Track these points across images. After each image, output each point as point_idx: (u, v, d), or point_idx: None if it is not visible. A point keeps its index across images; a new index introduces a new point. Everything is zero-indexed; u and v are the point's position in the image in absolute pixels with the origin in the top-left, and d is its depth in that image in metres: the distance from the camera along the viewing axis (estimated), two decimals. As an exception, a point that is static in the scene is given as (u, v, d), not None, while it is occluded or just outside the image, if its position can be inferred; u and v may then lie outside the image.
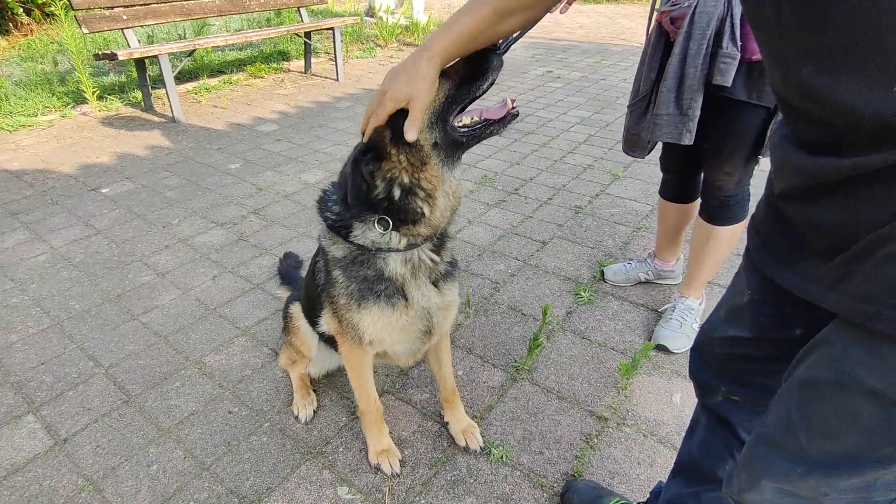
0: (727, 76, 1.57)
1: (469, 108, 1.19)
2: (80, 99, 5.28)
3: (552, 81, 6.27)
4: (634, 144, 1.97)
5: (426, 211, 1.23)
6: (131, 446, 1.72)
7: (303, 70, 6.85)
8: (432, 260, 1.36)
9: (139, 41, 5.25)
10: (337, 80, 6.42)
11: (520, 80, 6.33)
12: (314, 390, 1.89)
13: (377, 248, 1.28)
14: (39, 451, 1.70)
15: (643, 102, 1.82)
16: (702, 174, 2.02)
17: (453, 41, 1.04)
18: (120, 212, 3.25)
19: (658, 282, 2.47)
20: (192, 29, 7.54)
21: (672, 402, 1.84)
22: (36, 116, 4.95)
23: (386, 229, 1.25)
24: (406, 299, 1.35)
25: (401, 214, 1.23)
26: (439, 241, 1.37)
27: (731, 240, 1.99)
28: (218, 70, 6.55)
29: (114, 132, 4.66)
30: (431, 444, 1.71)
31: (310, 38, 6.49)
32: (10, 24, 7.98)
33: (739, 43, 1.53)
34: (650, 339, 2.12)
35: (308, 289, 1.63)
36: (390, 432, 1.73)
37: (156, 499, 1.55)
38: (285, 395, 1.90)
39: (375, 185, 1.22)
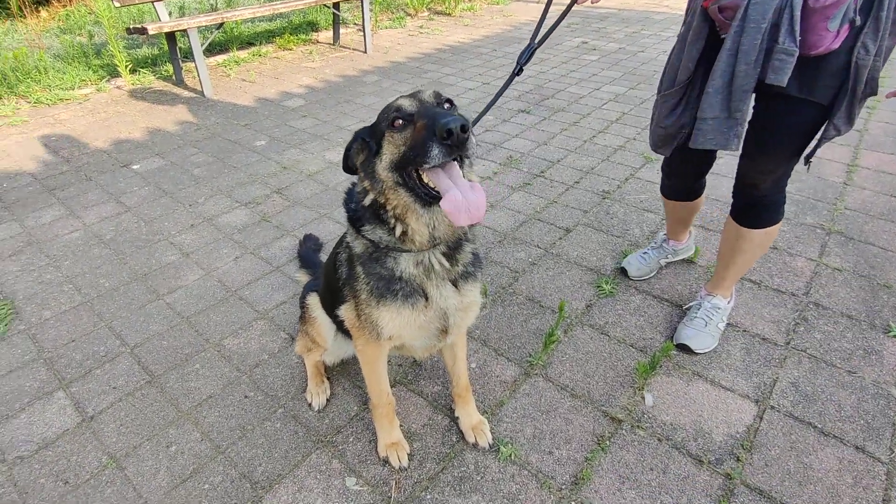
0: (783, 74, 1.38)
1: (432, 167, 1.07)
2: (114, 72, 5.37)
3: (587, 53, 6.00)
4: (664, 141, 1.79)
5: (398, 229, 1.23)
6: (152, 426, 1.78)
7: (331, 41, 6.76)
8: (443, 265, 1.32)
9: (170, 14, 5.26)
10: (365, 52, 6.32)
11: (553, 52, 6.09)
12: (328, 378, 1.91)
13: (387, 245, 1.26)
14: (68, 428, 1.79)
15: (679, 92, 1.67)
16: (706, 175, 1.95)
17: None
18: (149, 189, 3.32)
19: (674, 261, 2.45)
20: (223, 0, 7.52)
21: (688, 406, 1.78)
22: (73, 90, 5.07)
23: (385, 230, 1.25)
24: (426, 298, 1.33)
25: (381, 222, 1.25)
26: (453, 247, 1.33)
27: (764, 242, 1.87)
28: (248, 42, 6.54)
29: (146, 106, 4.73)
30: (441, 438, 1.71)
31: (338, 9, 6.37)
32: (51, -5, 8.12)
33: (798, 38, 1.35)
34: (672, 338, 2.05)
35: (328, 279, 1.62)
36: (400, 424, 1.74)
37: (174, 480, 1.61)
38: (300, 381, 1.93)
39: (358, 185, 1.29)
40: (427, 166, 1.06)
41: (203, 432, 1.75)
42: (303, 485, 1.58)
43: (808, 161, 1.63)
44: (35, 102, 4.82)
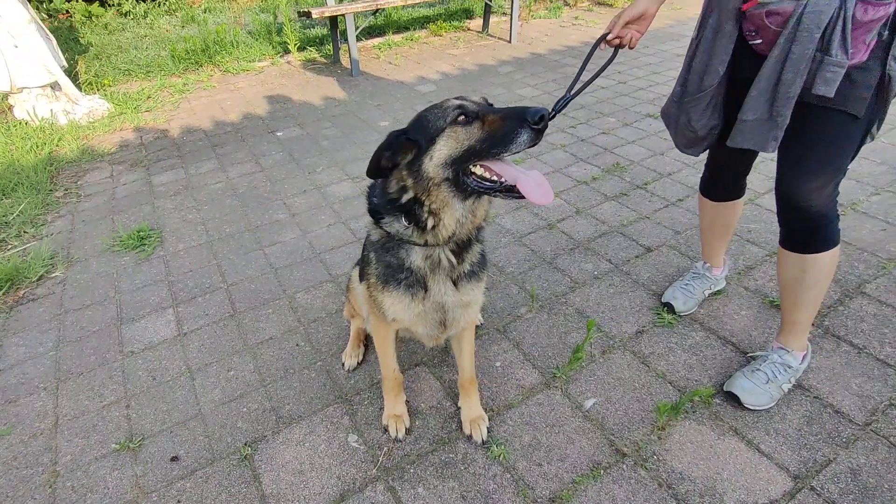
0: (832, 86, 1.35)
1: (513, 153, 1.19)
2: (287, 49, 6.18)
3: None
4: (693, 143, 1.79)
5: (430, 224, 1.30)
6: (223, 351, 2.16)
7: (480, 29, 6.92)
8: (450, 261, 1.41)
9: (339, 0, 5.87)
10: (509, 41, 6.37)
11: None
12: (366, 345, 2.11)
13: (401, 238, 1.38)
14: (167, 338, 2.25)
15: (707, 97, 1.63)
16: (747, 174, 1.93)
17: None
18: (282, 154, 3.85)
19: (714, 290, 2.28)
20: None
21: (708, 460, 1.63)
22: (254, 63, 5.97)
23: (409, 224, 1.34)
24: (426, 290, 1.44)
25: (411, 218, 1.32)
26: (462, 246, 1.41)
27: (831, 268, 1.68)
28: (405, 26, 7.01)
29: (303, 81, 5.40)
30: (442, 422, 1.81)
31: (490, -2, 6.49)
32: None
33: (850, 50, 1.30)
34: (722, 385, 1.86)
35: (362, 256, 1.81)
36: (412, 401, 1.88)
37: (224, 397, 1.95)
38: (343, 342, 2.16)
39: (391, 185, 1.33)
40: (506, 154, 1.17)
41: (256, 366, 2.08)
42: (314, 430, 1.81)
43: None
44: (225, 71, 5.79)
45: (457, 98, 1.25)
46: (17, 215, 3.15)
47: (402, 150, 1.26)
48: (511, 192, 1.21)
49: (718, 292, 2.28)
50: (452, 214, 1.29)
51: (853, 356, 1.95)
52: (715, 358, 1.99)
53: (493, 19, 7.01)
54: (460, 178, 1.22)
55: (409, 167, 1.26)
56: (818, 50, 1.35)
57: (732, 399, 1.80)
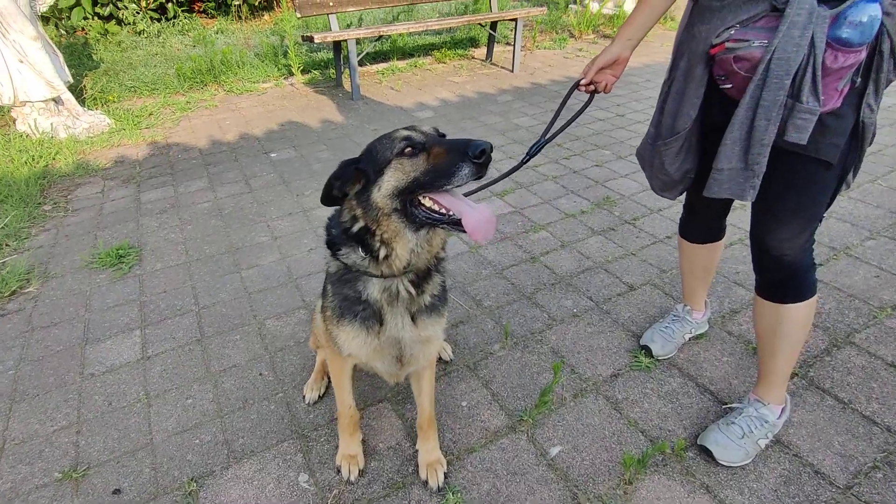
0: (804, 133, 1.31)
1: (456, 186, 1.15)
2: (291, 72, 6.27)
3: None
4: (668, 186, 1.76)
5: (383, 254, 1.26)
6: (184, 378, 2.10)
7: (484, 58, 6.99)
8: (409, 292, 1.36)
9: (347, 25, 5.97)
10: (512, 70, 6.42)
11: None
12: (329, 378, 2.04)
13: (358, 269, 1.33)
14: (130, 360, 2.19)
15: (679, 140, 1.60)
16: (726, 215, 1.90)
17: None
18: (273, 175, 3.85)
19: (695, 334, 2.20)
20: (402, 11, 8.25)
21: (678, 521, 1.53)
22: (258, 84, 6.05)
23: (366, 255, 1.30)
24: (381, 324, 1.39)
25: (365, 248, 1.27)
26: (422, 277, 1.37)
27: (807, 319, 1.61)
28: (409, 53, 7.10)
29: (304, 103, 5.45)
30: (399, 464, 1.73)
31: (494, 29, 6.57)
32: (275, 1, 9.74)
33: (822, 96, 1.26)
34: (696, 438, 1.77)
35: (322, 290, 1.76)
36: (371, 440, 1.80)
37: (178, 427, 1.88)
38: (307, 373, 2.09)
39: (343, 214, 1.30)
40: (449, 187, 1.14)
41: (216, 395, 2.01)
42: (265, 467, 1.73)
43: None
44: (228, 91, 5.86)
45: (406, 128, 1.23)
46: (2, 228, 3.15)
47: (351, 179, 1.24)
48: (458, 225, 1.18)
49: (700, 336, 2.20)
50: (405, 245, 1.25)
51: (837, 411, 1.86)
52: (691, 407, 1.90)
53: (497, 49, 7.08)
54: (409, 209, 1.20)
55: (357, 197, 1.25)
56: (789, 96, 1.31)
57: (706, 453, 1.71)
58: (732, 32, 1.37)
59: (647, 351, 2.11)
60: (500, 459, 1.73)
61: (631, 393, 1.97)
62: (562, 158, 4.01)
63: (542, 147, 1.77)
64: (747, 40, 1.33)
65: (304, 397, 1.98)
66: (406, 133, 1.20)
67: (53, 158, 4.11)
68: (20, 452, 1.81)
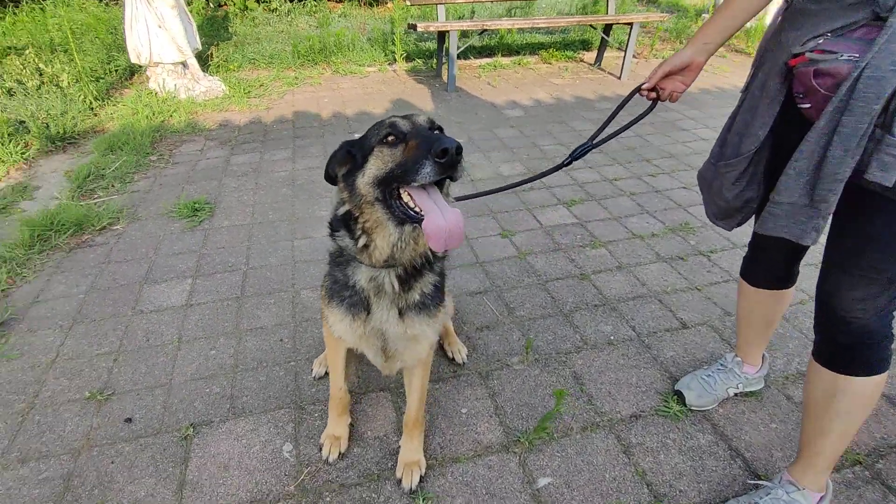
0: (892, 172, 1.07)
1: (420, 184, 1.08)
2: (396, 59, 6.43)
3: None
4: (726, 214, 1.54)
5: (362, 242, 1.25)
6: (214, 330, 2.23)
7: (594, 62, 6.68)
8: (394, 287, 1.32)
9: (459, 17, 6.00)
10: (619, 77, 6.07)
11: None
12: (342, 356, 2.05)
13: (349, 254, 1.32)
14: (175, 305, 2.37)
15: (743, 163, 1.38)
16: (799, 260, 1.60)
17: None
18: (350, 155, 3.97)
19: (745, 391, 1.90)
20: (518, 7, 8.14)
21: None
22: (362, 67, 6.28)
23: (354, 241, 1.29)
24: (368, 313, 1.36)
25: (350, 233, 1.27)
26: (411, 273, 1.32)
27: (870, 400, 1.33)
28: (515, 50, 6.98)
29: (401, 90, 5.56)
30: (380, 457, 1.69)
31: (607, 33, 6.23)
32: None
33: None
34: (711, 506, 1.54)
35: None
36: (361, 427, 1.79)
37: (195, 374, 2.00)
38: (322, 349, 2.13)
39: (335, 195, 1.30)
40: (415, 184, 1.08)
41: (236, 351, 2.12)
42: (257, 428, 1.78)
43: None
44: (334, 71, 6.16)
45: (399, 116, 1.18)
46: (113, 171, 3.56)
47: (340, 161, 1.22)
48: (412, 220, 1.13)
49: (751, 394, 1.92)
50: (386, 237, 1.21)
51: (888, 499, 1.52)
52: (715, 470, 1.66)
53: (609, 54, 6.73)
54: (389, 201, 1.14)
55: (345, 180, 1.23)
56: (877, 126, 1.07)
57: (719, 528, 1.48)
58: (820, 42, 1.15)
59: (679, 397, 1.88)
60: (482, 477, 1.63)
61: (648, 439, 1.76)
62: (646, 175, 3.70)
63: (587, 152, 1.64)
64: (835, 52, 1.11)
65: (311, 371, 2.01)
66: (393, 121, 1.16)
67: (170, 116, 4.58)
68: (66, 367, 2.03)
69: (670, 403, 1.87)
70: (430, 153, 1.02)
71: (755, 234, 1.67)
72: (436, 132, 1.18)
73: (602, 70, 6.41)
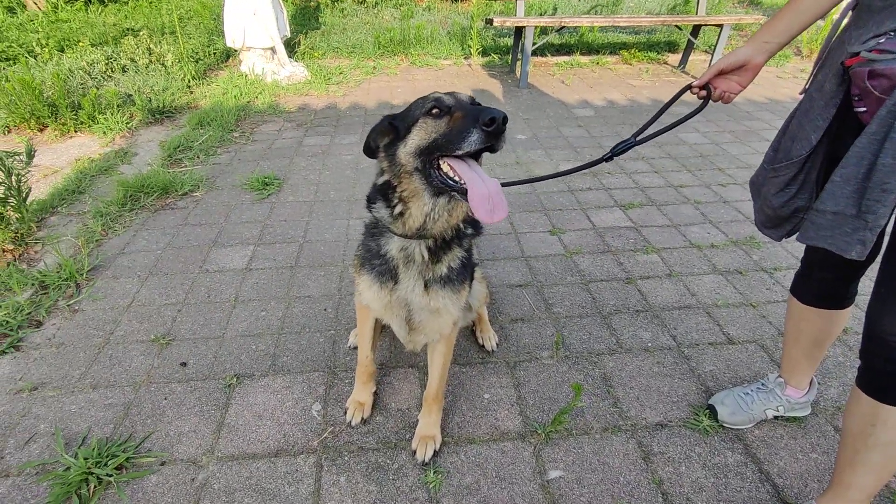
0: None
1: (465, 152, 1.14)
2: (471, 53, 6.48)
3: None
4: (772, 221, 1.45)
5: (398, 210, 1.31)
6: (266, 294, 2.41)
7: (677, 64, 6.39)
8: (423, 258, 1.39)
9: (541, 13, 5.96)
10: (703, 82, 5.75)
11: None
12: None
13: (384, 224, 1.40)
14: (236, 268, 2.59)
15: (792, 168, 1.31)
16: (857, 279, 1.48)
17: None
18: (414, 143, 4.08)
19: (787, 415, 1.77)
20: (604, 5, 7.92)
21: None
22: (439, 59, 6.40)
23: (390, 211, 1.37)
24: (395, 282, 1.44)
25: (387, 202, 1.33)
26: (441, 246, 1.38)
27: None
28: (595, 49, 6.81)
29: (473, 83, 5.62)
30: (399, 427, 1.77)
31: (695, 35, 5.93)
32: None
33: None
34: (727, 525, 1.48)
35: None
36: (386, 398, 1.87)
37: (245, 331, 2.18)
38: (362, 321, 2.24)
39: (376, 166, 1.38)
40: (460, 152, 1.15)
41: (284, 315, 2.28)
42: (292, 386, 1.92)
43: None
44: (411, 63, 6.32)
45: (443, 92, 1.25)
46: (199, 144, 3.90)
47: (382, 133, 1.29)
48: (465, 195, 1.17)
49: (794, 419, 1.80)
50: (421, 207, 1.28)
51: (951, 573, 1.38)
52: (740, 491, 1.58)
53: (695, 57, 6.40)
54: (428, 171, 1.22)
55: (386, 150, 1.30)
56: None
57: (734, 548, 1.42)
58: (882, 41, 1.07)
59: (712, 412, 1.81)
60: (494, 460, 1.66)
61: (671, 449, 1.71)
62: (716, 184, 3.52)
63: (630, 148, 1.61)
64: (893, 52, 1.03)
65: (348, 340, 2.12)
66: (437, 95, 1.23)
67: (255, 97, 4.92)
68: (139, 312, 2.28)
69: (701, 417, 1.80)
70: (477, 122, 1.08)
71: (807, 248, 1.57)
72: (479, 105, 1.24)
73: (686, 73, 6.11)
